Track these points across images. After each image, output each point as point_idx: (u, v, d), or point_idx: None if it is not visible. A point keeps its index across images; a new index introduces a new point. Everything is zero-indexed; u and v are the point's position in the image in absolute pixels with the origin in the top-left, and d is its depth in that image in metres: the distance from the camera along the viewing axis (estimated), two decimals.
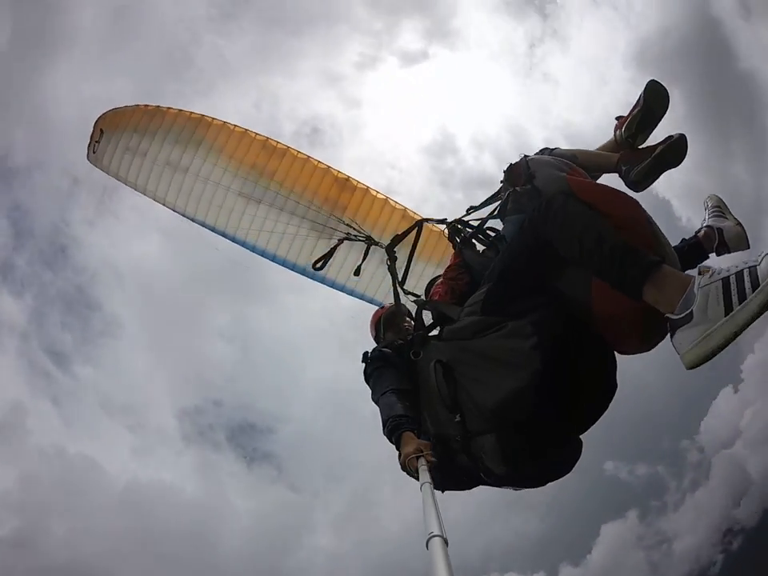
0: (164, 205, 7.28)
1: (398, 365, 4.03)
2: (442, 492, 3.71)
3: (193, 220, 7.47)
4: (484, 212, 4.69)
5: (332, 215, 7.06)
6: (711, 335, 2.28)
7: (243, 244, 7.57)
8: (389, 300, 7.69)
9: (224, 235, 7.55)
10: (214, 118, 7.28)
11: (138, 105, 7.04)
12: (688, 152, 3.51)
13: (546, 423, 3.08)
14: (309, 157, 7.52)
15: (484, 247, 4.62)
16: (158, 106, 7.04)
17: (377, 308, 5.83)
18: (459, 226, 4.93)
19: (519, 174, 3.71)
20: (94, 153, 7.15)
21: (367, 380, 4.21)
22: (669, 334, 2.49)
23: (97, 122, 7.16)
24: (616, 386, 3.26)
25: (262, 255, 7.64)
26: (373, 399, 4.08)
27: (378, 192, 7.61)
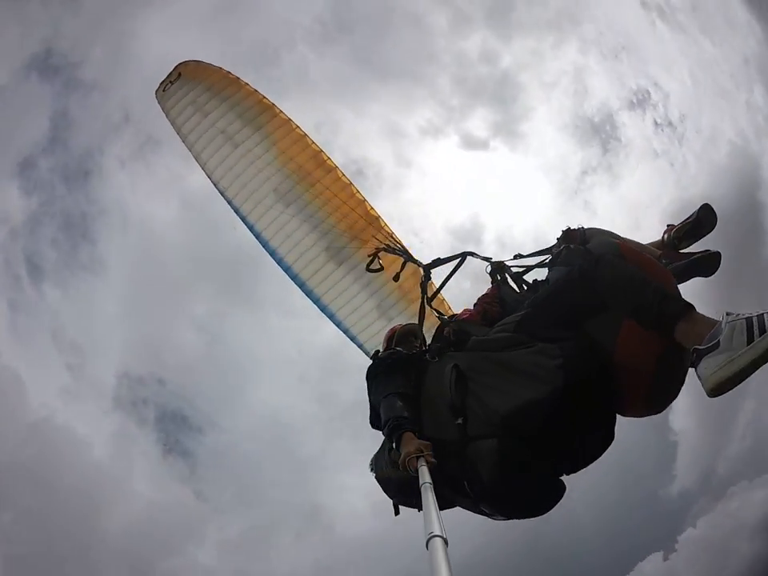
0: (203, 168, 7.33)
1: (405, 369, 4.12)
2: (397, 514, 3.93)
3: (222, 194, 7.50)
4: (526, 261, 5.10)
5: (368, 227, 7.12)
6: (734, 360, 2.58)
7: (258, 236, 7.59)
8: (370, 343, 7.78)
9: (244, 221, 7.57)
10: (281, 111, 7.42)
11: (221, 68, 7.19)
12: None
13: (550, 440, 3.26)
14: (351, 183, 7.63)
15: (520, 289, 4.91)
16: (239, 78, 7.19)
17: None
18: (503, 266, 5.26)
19: (575, 237, 4.12)
20: (163, 91, 7.24)
21: (371, 378, 4.30)
22: (693, 365, 2.80)
23: (179, 65, 7.26)
24: (613, 438, 3.46)
25: (271, 254, 7.64)
26: (372, 399, 4.17)
27: (400, 242, 7.69)
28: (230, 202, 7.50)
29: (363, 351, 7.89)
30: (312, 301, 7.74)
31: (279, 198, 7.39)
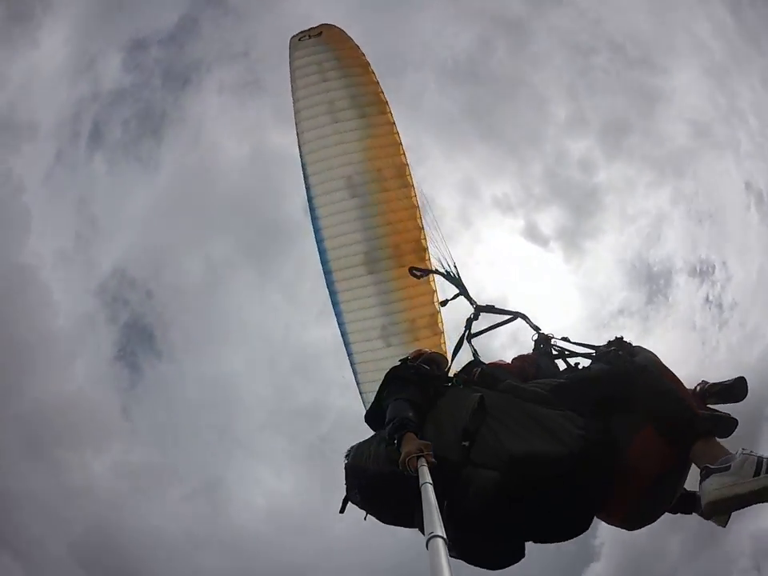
0: (296, 125, 7.40)
1: (424, 385, 4.27)
2: (342, 511, 4.01)
3: (301, 157, 7.57)
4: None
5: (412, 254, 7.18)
6: (737, 484, 2.97)
7: (312, 210, 7.62)
8: (360, 356, 7.79)
9: (308, 190, 7.63)
10: (390, 112, 7.52)
11: (359, 47, 7.32)
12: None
13: (544, 497, 3.39)
14: (418, 207, 7.66)
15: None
16: (369, 64, 7.31)
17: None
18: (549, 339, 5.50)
19: (626, 347, 4.28)
20: (299, 40, 7.36)
21: (389, 378, 4.46)
22: (700, 479, 3.17)
23: (325, 24, 7.42)
24: (587, 529, 3.63)
25: (314, 231, 7.66)
26: (383, 398, 4.30)
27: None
28: (303, 167, 7.57)
29: (349, 360, 7.87)
30: (328, 291, 7.74)
31: (348, 186, 7.47)
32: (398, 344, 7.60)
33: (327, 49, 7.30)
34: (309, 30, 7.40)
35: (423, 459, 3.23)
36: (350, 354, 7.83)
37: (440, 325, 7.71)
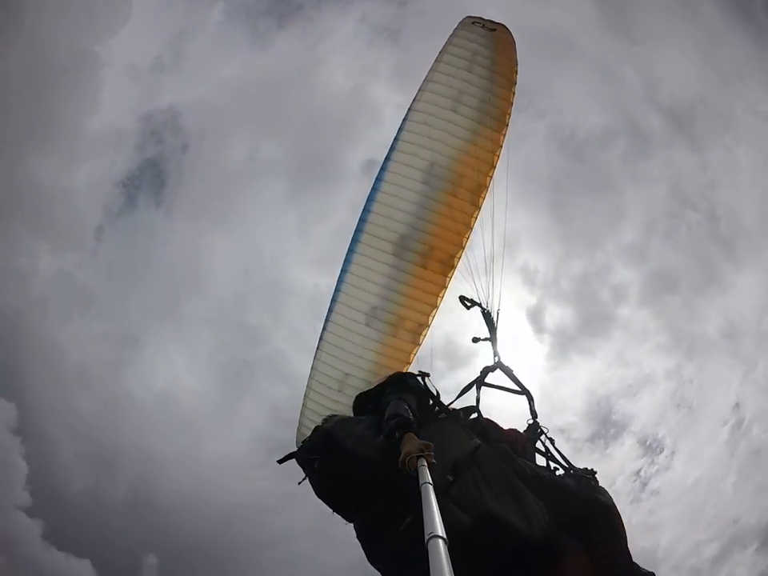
0: (420, 89, 7.45)
1: (425, 402, 4.41)
2: (281, 463, 4.20)
3: (404, 120, 7.57)
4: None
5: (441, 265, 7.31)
6: None
7: (382, 170, 7.63)
8: (336, 316, 7.77)
9: (390, 150, 7.61)
10: (504, 137, 7.51)
11: (517, 64, 7.30)
12: None
13: (492, 557, 3.62)
14: (470, 229, 7.64)
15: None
16: (515, 85, 7.30)
17: None
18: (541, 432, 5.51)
19: (594, 480, 4.58)
20: (472, 23, 7.31)
21: (395, 380, 4.54)
22: None
23: (503, 26, 7.42)
24: None
25: (372, 191, 7.67)
26: (385, 395, 4.30)
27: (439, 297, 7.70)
28: (399, 131, 7.59)
29: (326, 317, 7.84)
30: (349, 246, 7.73)
31: (427, 171, 7.50)
32: (376, 330, 7.62)
33: (490, 46, 7.26)
34: (488, 20, 7.37)
35: (423, 459, 3.24)
36: (329, 311, 7.82)
37: (421, 337, 7.72)
